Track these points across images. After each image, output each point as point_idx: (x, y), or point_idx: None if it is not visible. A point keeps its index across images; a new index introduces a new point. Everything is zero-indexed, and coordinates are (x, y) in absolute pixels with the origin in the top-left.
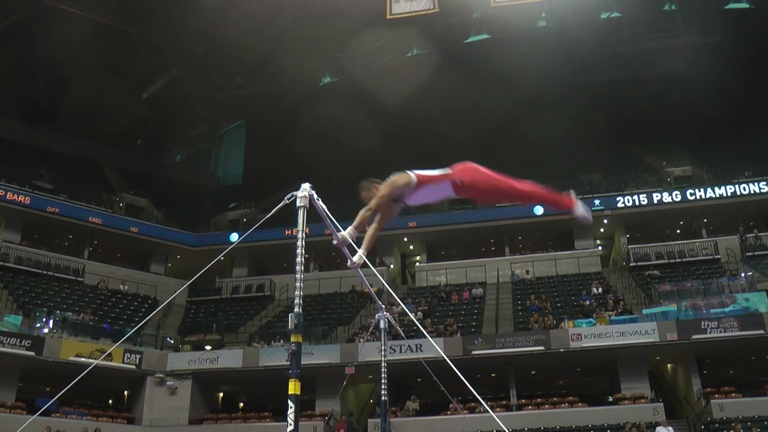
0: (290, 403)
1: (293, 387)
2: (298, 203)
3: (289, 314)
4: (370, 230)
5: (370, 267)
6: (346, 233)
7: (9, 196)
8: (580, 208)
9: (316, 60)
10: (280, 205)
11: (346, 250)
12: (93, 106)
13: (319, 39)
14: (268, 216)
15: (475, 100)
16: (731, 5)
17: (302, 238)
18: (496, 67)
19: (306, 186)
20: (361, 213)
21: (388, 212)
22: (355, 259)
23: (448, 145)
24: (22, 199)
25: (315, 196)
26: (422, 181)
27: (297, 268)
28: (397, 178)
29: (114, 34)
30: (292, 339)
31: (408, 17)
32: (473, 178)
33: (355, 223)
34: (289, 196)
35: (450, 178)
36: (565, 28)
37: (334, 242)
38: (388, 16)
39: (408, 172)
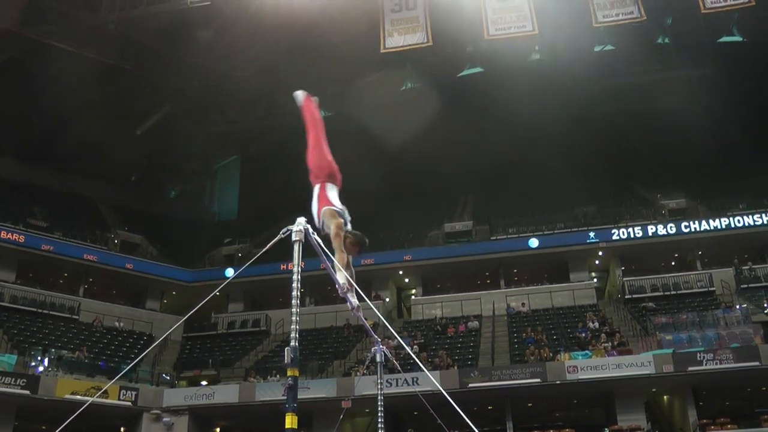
0: None
1: (290, 421)
2: (294, 237)
3: (285, 348)
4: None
5: (366, 301)
6: (346, 279)
7: (3, 234)
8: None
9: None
10: (275, 239)
11: (348, 297)
12: (87, 143)
13: (312, 73)
14: (263, 251)
15: (468, 133)
16: (724, 38)
17: (298, 272)
18: (489, 100)
19: (301, 220)
20: (340, 259)
21: (347, 250)
22: (354, 303)
23: (443, 175)
24: (17, 238)
25: (310, 230)
26: (332, 204)
27: (293, 302)
28: (337, 221)
29: (107, 71)
30: (289, 373)
31: (402, 51)
32: (317, 164)
33: (343, 267)
34: (284, 230)
35: (322, 182)
36: (559, 61)
37: (341, 293)
38: (382, 50)
39: (329, 208)
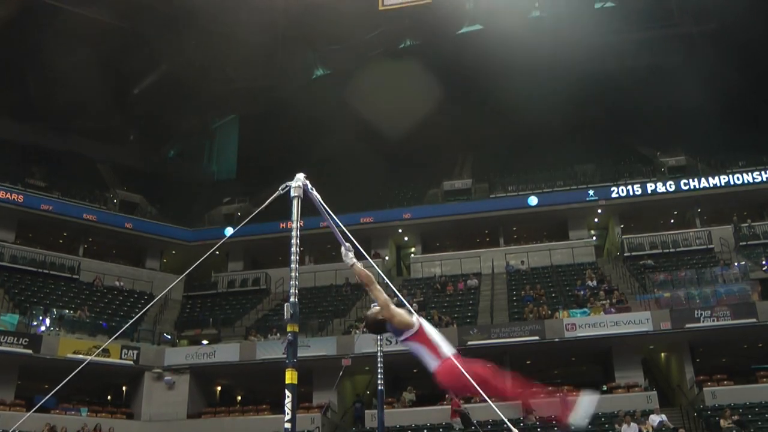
0: (287, 393)
1: (290, 377)
2: (292, 193)
3: (285, 304)
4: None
5: (367, 259)
6: (352, 257)
7: (2, 194)
8: (578, 414)
9: (308, 52)
10: (274, 195)
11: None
12: (85, 102)
13: (311, 31)
14: (262, 207)
15: (467, 92)
16: None
17: (297, 228)
18: (488, 58)
19: (300, 176)
20: (369, 283)
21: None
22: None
23: (442, 133)
24: (16, 198)
25: (309, 186)
26: (419, 337)
27: (292, 258)
28: (401, 318)
29: (104, 30)
30: (289, 329)
31: (401, 8)
32: (450, 383)
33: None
34: (283, 186)
35: (437, 366)
36: (559, 18)
37: (342, 250)
38: (381, 8)
39: (414, 318)
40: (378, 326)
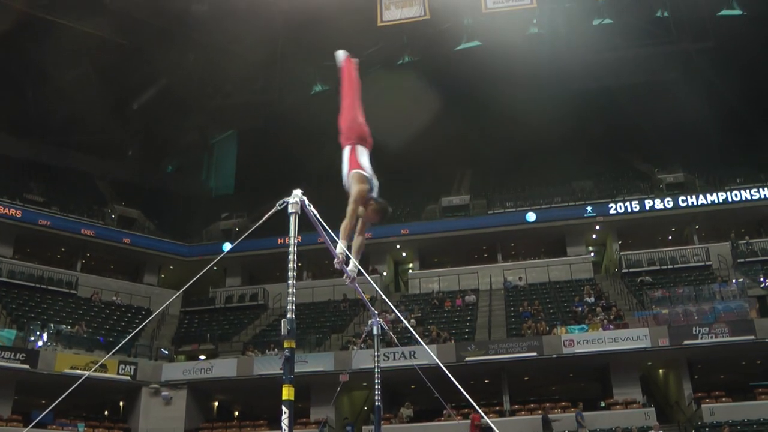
0: (284, 409)
1: (287, 393)
2: (290, 209)
3: (282, 320)
4: (356, 242)
5: (364, 275)
6: (342, 251)
7: (0, 209)
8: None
9: (307, 68)
10: (271, 211)
11: (344, 267)
12: (83, 117)
13: (309, 47)
14: (259, 223)
15: (465, 108)
16: (724, 12)
17: (294, 244)
18: (486, 74)
19: (297, 192)
20: (344, 227)
21: (367, 216)
22: (350, 269)
23: (440, 150)
24: (14, 213)
25: (306, 202)
26: (362, 168)
27: (289, 274)
28: (359, 188)
29: (103, 45)
30: (285, 345)
31: (399, 24)
32: (347, 125)
33: (342, 239)
34: (280, 202)
35: (352, 144)
36: (557, 35)
37: (336, 263)
38: (380, 23)
39: (357, 171)
40: (377, 212)
